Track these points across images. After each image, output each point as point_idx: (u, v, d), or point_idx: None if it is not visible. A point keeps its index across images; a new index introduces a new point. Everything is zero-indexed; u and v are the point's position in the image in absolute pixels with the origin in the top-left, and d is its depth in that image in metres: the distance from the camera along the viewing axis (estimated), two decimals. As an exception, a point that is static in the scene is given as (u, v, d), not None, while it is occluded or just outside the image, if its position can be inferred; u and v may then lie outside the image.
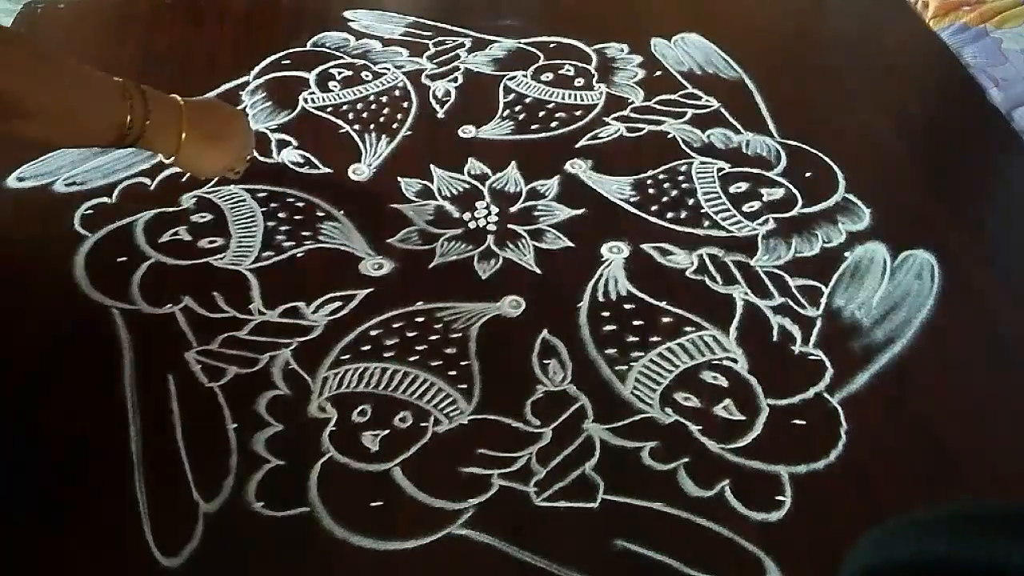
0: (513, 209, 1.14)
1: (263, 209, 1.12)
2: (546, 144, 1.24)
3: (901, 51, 1.46)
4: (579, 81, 1.34)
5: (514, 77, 1.35)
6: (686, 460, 0.89)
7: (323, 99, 1.29)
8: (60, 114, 0.92)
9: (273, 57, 1.36)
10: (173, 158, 1.01)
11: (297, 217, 1.11)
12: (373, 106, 1.28)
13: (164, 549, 0.81)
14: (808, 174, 1.19)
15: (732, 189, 1.17)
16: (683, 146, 1.23)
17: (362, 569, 0.82)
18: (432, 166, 1.19)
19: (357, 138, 1.23)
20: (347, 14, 1.46)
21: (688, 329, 1.00)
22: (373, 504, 0.85)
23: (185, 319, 1.00)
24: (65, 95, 0.92)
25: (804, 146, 1.23)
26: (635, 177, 1.19)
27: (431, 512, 0.85)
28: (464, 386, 0.94)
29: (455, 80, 1.34)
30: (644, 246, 1.09)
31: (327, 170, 1.18)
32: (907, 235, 1.11)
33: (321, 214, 1.12)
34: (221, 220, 1.11)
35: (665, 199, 1.15)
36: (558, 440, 0.90)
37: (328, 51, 1.38)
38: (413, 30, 1.43)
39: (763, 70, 1.37)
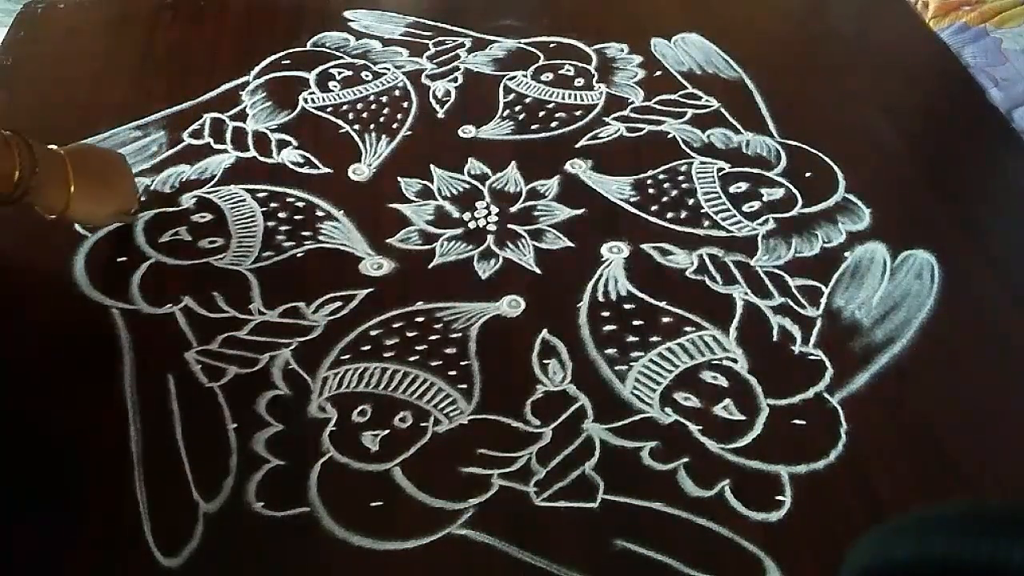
0: (513, 209, 1.14)
1: (263, 209, 1.12)
2: (546, 144, 1.24)
3: (901, 51, 1.46)
4: (579, 81, 1.34)
5: (514, 77, 1.35)
6: (686, 460, 0.89)
7: (323, 99, 1.29)
8: None
9: (273, 57, 1.36)
10: (63, 211, 0.96)
11: (297, 217, 1.12)
12: (373, 106, 1.28)
13: (164, 549, 0.82)
14: (808, 174, 1.20)
15: (732, 189, 1.17)
16: (683, 146, 1.23)
17: (362, 569, 0.82)
18: (432, 166, 1.19)
19: (357, 138, 1.23)
20: (347, 14, 1.46)
21: (688, 329, 1.00)
22: (373, 504, 0.85)
23: (185, 319, 1.00)
24: None
25: (804, 146, 1.23)
26: (635, 177, 1.19)
27: (431, 512, 0.85)
28: (464, 386, 0.95)
29: (455, 80, 1.34)
30: (644, 246, 1.09)
31: (327, 170, 1.18)
32: (907, 235, 1.11)
33: (321, 214, 1.12)
34: (221, 220, 1.11)
35: (665, 199, 1.16)
36: (558, 440, 0.90)
37: (328, 51, 1.38)
38: (413, 30, 1.43)
39: (763, 70, 1.37)
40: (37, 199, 0.93)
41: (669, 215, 1.14)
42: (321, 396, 0.93)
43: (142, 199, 1.11)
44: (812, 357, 0.98)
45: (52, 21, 1.44)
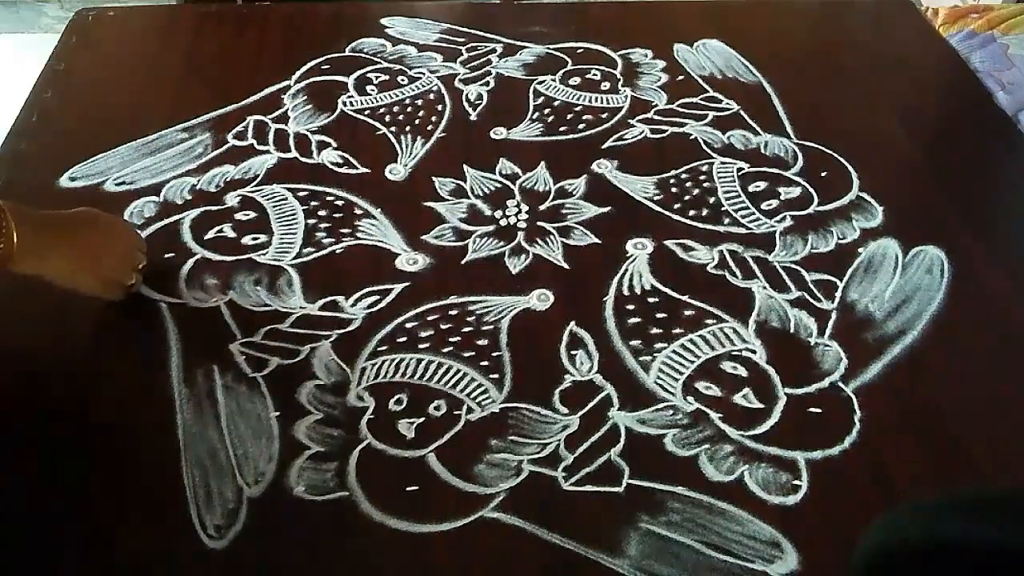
0: (542, 207, 1.17)
1: (304, 207, 1.16)
2: (574, 145, 1.27)
3: (912, 56, 1.49)
4: (605, 85, 1.37)
5: (543, 81, 1.38)
6: (707, 446, 0.92)
7: (361, 102, 1.33)
8: None
9: (313, 62, 1.40)
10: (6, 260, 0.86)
11: (336, 215, 1.15)
12: (409, 109, 1.32)
13: (210, 532, 0.85)
14: (824, 174, 1.23)
15: (751, 188, 1.20)
16: (704, 147, 1.26)
17: (399, 551, 0.84)
18: (465, 166, 1.22)
19: (393, 139, 1.27)
20: (384, 21, 1.50)
21: (709, 321, 1.03)
22: (409, 489, 0.88)
23: (229, 312, 1.03)
24: None
25: (820, 147, 1.26)
26: (659, 177, 1.22)
27: (464, 496, 0.88)
28: (495, 376, 0.97)
29: (487, 84, 1.37)
30: (667, 242, 1.12)
31: (365, 170, 1.22)
32: (918, 232, 1.14)
33: (359, 212, 1.15)
34: (264, 218, 1.14)
35: (687, 198, 1.19)
36: (585, 427, 0.93)
37: (366, 56, 1.42)
38: (447, 36, 1.47)
39: (781, 75, 1.40)
40: (14, 264, 0.86)
41: (691, 213, 1.17)
42: (359, 386, 0.96)
43: (141, 269, 1.04)
44: (827, 348, 1.01)
45: (103, 28, 1.47)
